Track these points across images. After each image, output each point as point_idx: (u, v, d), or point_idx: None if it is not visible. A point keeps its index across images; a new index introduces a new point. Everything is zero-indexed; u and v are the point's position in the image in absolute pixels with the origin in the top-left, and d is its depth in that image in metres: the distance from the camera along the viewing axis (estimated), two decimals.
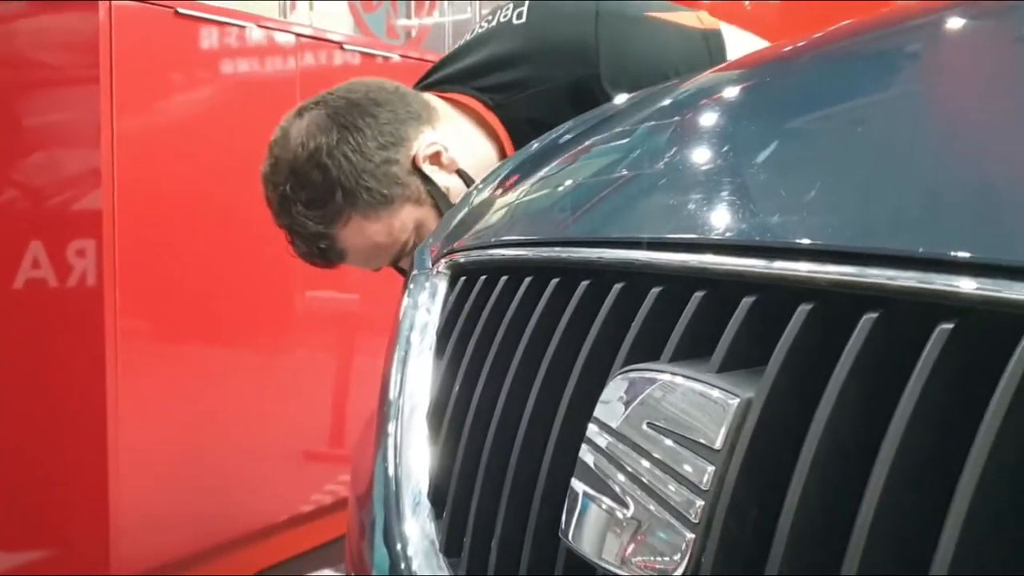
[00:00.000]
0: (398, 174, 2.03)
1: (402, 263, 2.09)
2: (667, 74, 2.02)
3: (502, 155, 2.16)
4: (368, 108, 2.03)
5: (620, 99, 1.52)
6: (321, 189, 1.99)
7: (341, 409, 4.51)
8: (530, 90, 2.13)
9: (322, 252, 2.05)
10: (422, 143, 2.05)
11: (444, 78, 2.22)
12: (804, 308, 0.66)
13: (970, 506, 0.53)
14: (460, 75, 2.20)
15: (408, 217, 2.05)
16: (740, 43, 2.15)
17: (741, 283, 0.73)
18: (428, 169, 2.05)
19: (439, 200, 2.06)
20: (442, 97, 2.18)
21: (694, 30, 2.16)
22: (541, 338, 0.95)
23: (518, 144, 2.13)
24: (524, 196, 1.23)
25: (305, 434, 4.30)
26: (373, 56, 4.59)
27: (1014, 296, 0.55)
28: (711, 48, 2.13)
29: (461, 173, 2.10)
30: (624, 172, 1.06)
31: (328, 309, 4.44)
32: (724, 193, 0.84)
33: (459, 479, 1.02)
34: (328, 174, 1.98)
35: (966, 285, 0.58)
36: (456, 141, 2.11)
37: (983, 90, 0.80)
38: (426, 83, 2.26)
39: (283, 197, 2.03)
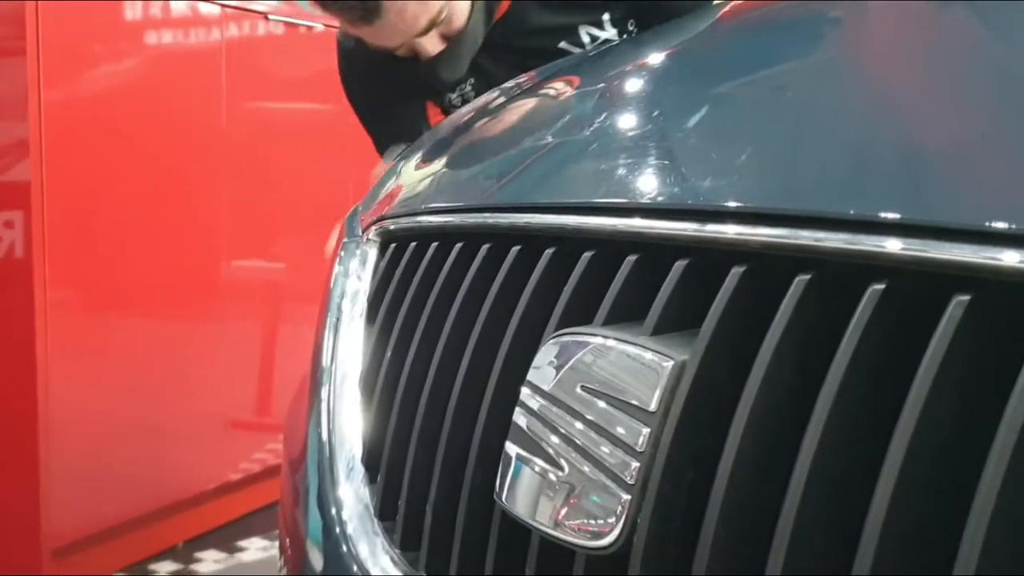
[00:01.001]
0: None
1: (424, 41, 2.11)
2: None
3: None
4: None
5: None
6: None
7: (268, 377, 4.49)
8: None
9: None
10: None
11: None
12: (737, 271, 0.67)
13: (903, 461, 0.54)
14: None
15: None
16: None
17: (674, 247, 0.74)
18: None
19: None
20: None
21: None
22: (473, 304, 0.95)
23: None
24: (454, 163, 1.23)
25: (233, 403, 4.28)
26: (296, 26, 4.55)
27: (940, 256, 0.56)
28: None
29: None
30: (554, 138, 1.06)
31: (254, 278, 4.41)
32: (655, 158, 0.84)
33: (393, 444, 1.02)
34: None
35: (892, 245, 0.59)
36: None
37: (909, 56, 0.81)
38: None
39: None
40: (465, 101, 2.25)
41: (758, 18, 1.08)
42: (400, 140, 2.16)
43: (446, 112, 2.31)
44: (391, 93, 2.31)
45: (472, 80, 2.24)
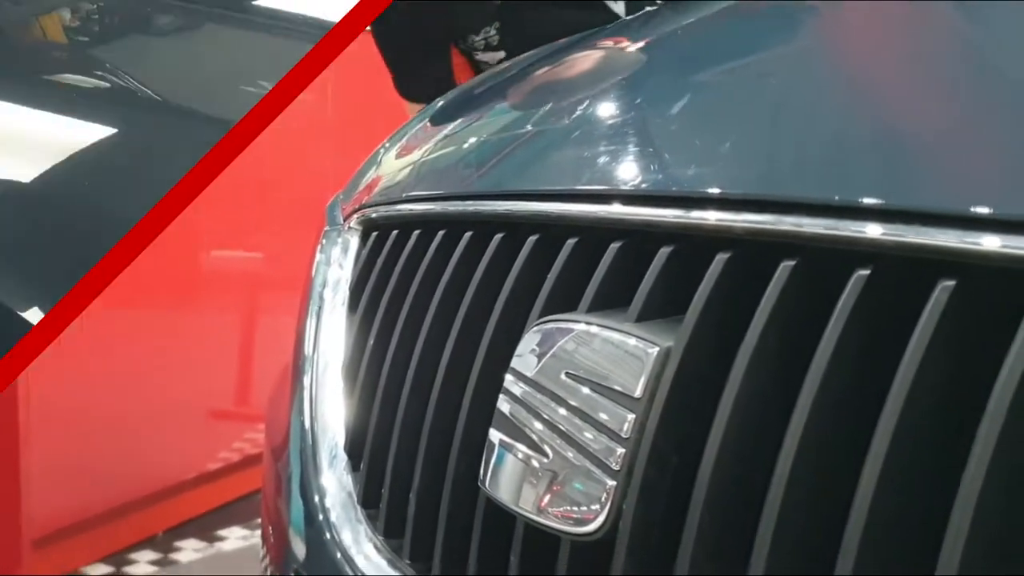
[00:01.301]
0: None
1: None
2: None
3: None
4: None
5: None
6: None
7: (247, 367, 4.49)
8: None
9: None
10: None
11: None
12: (721, 257, 0.67)
13: (888, 447, 0.54)
14: None
15: None
16: None
17: (658, 234, 0.74)
18: None
19: None
20: None
21: None
22: (455, 291, 0.95)
23: None
24: (436, 151, 1.22)
25: (212, 392, 4.28)
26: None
27: (923, 241, 0.56)
28: None
29: None
30: (537, 124, 1.06)
31: (233, 268, 4.41)
32: (639, 144, 0.84)
33: (376, 431, 1.02)
34: None
35: (874, 231, 0.59)
36: None
37: (888, 43, 0.81)
38: None
39: None
40: (488, 45, 2.28)
41: (748, 11, 1.09)
42: (427, 89, 2.19)
43: (469, 57, 2.32)
44: (421, 39, 2.33)
45: (497, 24, 2.26)
